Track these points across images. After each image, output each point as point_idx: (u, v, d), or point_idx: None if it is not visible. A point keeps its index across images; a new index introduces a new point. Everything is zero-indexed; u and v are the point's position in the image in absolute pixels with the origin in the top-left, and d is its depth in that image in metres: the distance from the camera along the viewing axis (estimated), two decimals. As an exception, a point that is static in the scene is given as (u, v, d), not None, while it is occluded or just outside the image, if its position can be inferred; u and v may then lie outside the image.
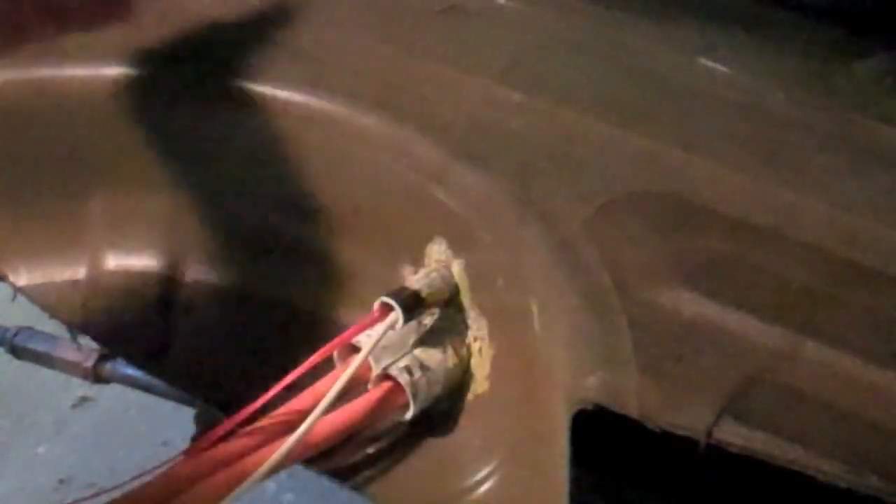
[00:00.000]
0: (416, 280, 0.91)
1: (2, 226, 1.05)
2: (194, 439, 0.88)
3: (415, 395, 0.88)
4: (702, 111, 1.01)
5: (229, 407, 0.88)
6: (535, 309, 0.83)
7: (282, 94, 0.99)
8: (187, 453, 0.84)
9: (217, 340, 1.01)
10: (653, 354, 0.74)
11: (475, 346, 0.92)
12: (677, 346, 0.75)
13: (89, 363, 1.04)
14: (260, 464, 0.81)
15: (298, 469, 0.88)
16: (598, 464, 0.81)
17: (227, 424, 0.85)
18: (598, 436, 0.74)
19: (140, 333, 1.00)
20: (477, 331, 0.91)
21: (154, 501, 0.81)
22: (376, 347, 0.87)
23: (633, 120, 0.97)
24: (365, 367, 0.88)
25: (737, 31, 1.12)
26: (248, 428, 0.86)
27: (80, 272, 1.05)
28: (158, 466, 0.83)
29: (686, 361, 0.74)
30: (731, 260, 0.83)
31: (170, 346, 1.00)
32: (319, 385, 0.87)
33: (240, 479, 0.80)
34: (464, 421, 0.92)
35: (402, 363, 0.89)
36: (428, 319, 0.93)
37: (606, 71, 1.06)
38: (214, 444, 0.84)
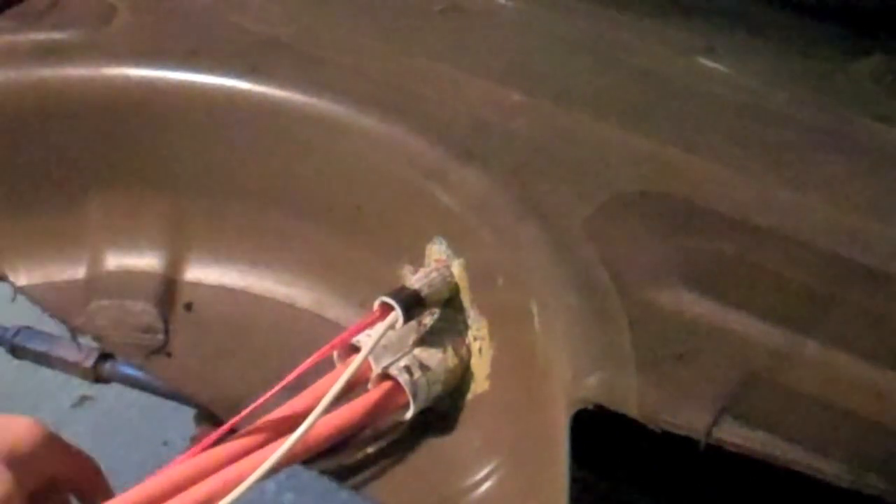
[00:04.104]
0: (416, 280, 0.91)
1: (2, 225, 1.05)
2: (194, 439, 0.88)
3: (415, 395, 0.88)
4: (702, 111, 1.01)
5: (229, 407, 0.88)
6: (535, 309, 0.83)
7: (282, 94, 0.99)
8: (186, 453, 0.84)
9: (217, 340, 1.01)
10: (653, 354, 0.74)
11: (475, 346, 0.92)
12: (677, 346, 0.75)
13: (89, 363, 1.04)
14: (259, 464, 0.81)
15: (298, 469, 0.88)
16: (598, 464, 0.81)
17: (227, 425, 0.85)
18: (598, 436, 0.74)
19: (140, 333, 1.00)
20: (477, 331, 0.91)
21: (152, 501, 0.81)
22: (376, 347, 0.87)
23: (633, 120, 0.97)
24: (365, 366, 0.88)
25: (737, 31, 1.12)
26: (248, 428, 0.86)
27: (80, 272, 1.05)
28: (158, 466, 0.83)
29: (686, 361, 0.74)
30: (731, 260, 0.83)
31: (170, 346, 1.00)
32: (319, 385, 0.87)
33: (239, 479, 0.80)
34: (464, 421, 0.92)
35: (401, 363, 0.89)
36: (428, 319, 0.93)
37: (606, 71, 1.06)
38: (213, 444, 0.84)
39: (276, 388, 0.84)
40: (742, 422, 0.70)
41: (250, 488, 0.79)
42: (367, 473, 0.90)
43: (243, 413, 0.84)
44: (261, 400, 0.84)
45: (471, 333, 0.92)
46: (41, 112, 1.03)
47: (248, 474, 0.80)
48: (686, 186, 0.90)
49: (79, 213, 1.05)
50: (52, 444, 0.79)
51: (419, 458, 0.91)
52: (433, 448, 0.91)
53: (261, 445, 0.85)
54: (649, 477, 0.86)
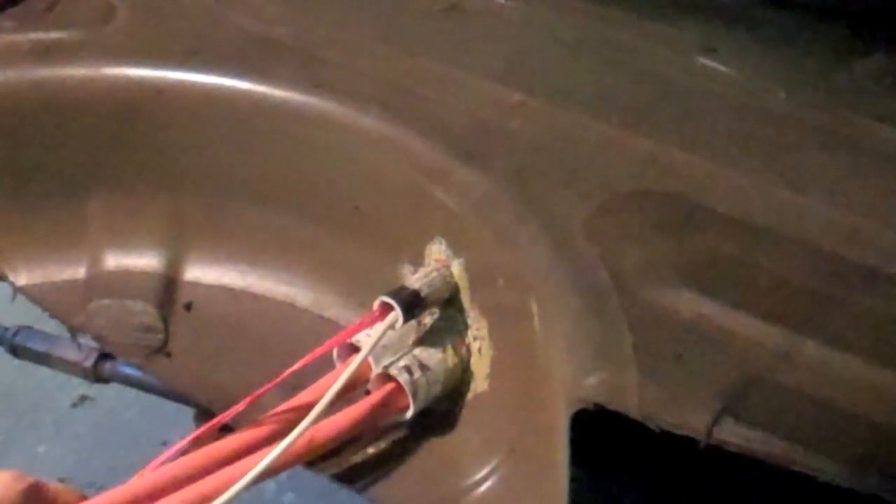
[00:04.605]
0: (415, 280, 0.91)
1: (2, 225, 1.05)
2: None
3: (414, 395, 0.88)
4: (702, 111, 1.01)
5: (229, 407, 0.88)
6: (535, 309, 0.83)
7: (282, 94, 0.99)
8: (181, 452, 0.84)
9: (217, 340, 1.01)
10: (653, 354, 0.74)
11: (475, 346, 0.92)
12: (677, 346, 0.75)
13: (89, 363, 1.04)
14: (257, 463, 0.81)
15: (298, 469, 0.88)
16: (599, 463, 0.81)
17: (215, 421, 0.85)
18: (598, 435, 0.74)
19: (140, 333, 1.00)
20: (477, 330, 0.91)
21: (150, 499, 0.81)
22: (376, 347, 0.87)
23: (633, 120, 0.97)
24: (365, 366, 0.88)
25: (737, 31, 1.12)
26: (249, 426, 0.86)
27: (80, 272, 1.05)
28: (153, 463, 0.83)
29: (686, 361, 0.74)
30: (731, 260, 0.83)
31: (170, 346, 1.00)
32: (319, 384, 0.87)
33: (239, 478, 0.80)
34: (464, 421, 0.92)
35: (401, 363, 0.89)
36: (428, 319, 0.93)
37: (606, 71, 1.06)
38: (209, 441, 0.84)
39: (272, 384, 0.84)
40: (742, 422, 0.70)
41: (248, 488, 0.79)
42: (367, 473, 0.90)
43: (235, 408, 0.84)
44: (254, 396, 0.84)
45: (471, 333, 0.92)
46: (41, 112, 1.03)
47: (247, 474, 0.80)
48: (686, 186, 0.90)
49: (79, 213, 1.05)
50: (34, 494, 0.79)
51: (419, 458, 0.91)
52: (433, 448, 0.91)
53: (262, 444, 0.85)
54: (649, 477, 0.86)
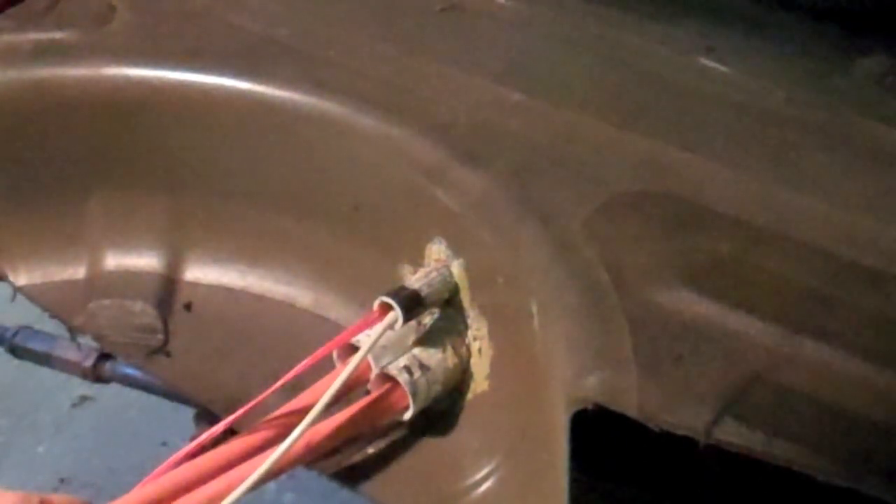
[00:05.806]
0: (415, 280, 0.91)
1: (2, 225, 1.05)
2: (193, 439, 0.88)
3: (414, 395, 0.88)
4: (702, 111, 1.01)
5: (229, 407, 0.88)
6: (535, 309, 0.83)
7: (282, 94, 0.99)
8: (187, 456, 0.84)
9: (217, 340, 1.01)
10: (653, 354, 0.74)
11: (475, 346, 0.92)
12: (677, 346, 0.75)
13: (89, 363, 1.04)
14: (259, 466, 0.81)
15: (298, 469, 0.88)
16: (598, 463, 0.81)
17: (222, 424, 0.85)
18: (598, 435, 0.74)
19: (140, 333, 1.00)
20: (477, 330, 0.91)
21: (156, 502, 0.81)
22: (376, 347, 0.87)
23: (632, 120, 0.97)
24: (364, 366, 0.88)
25: (737, 31, 1.12)
26: (249, 429, 0.86)
27: (80, 272, 1.05)
28: (157, 466, 0.83)
29: (686, 361, 0.74)
30: (731, 260, 0.83)
31: (170, 346, 1.00)
32: (319, 385, 0.87)
33: (241, 482, 0.80)
34: (464, 421, 0.92)
35: (401, 363, 0.89)
36: (427, 319, 0.93)
37: (606, 71, 1.06)
38: (212, 444, 0.84)
39: (273, 387, 0.84)
40: (742, 422, 0.70)
41: (248, 493, 0.79)
42: (367, 473, 0.90)
43: (239, 412, 0.84)
44: (257, 400, 0.84)
45: (470, 333, 0.92)
46: (41, 112, 1.03)
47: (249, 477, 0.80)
48: (686, 186, 0.90)
49: (79, 213, 1.05)
50: None
51: (419, 458, 0.91)
52: (433, 448, 0.91)
53: (264, 447, 0.85)
54: (649, 477, 0.86)
